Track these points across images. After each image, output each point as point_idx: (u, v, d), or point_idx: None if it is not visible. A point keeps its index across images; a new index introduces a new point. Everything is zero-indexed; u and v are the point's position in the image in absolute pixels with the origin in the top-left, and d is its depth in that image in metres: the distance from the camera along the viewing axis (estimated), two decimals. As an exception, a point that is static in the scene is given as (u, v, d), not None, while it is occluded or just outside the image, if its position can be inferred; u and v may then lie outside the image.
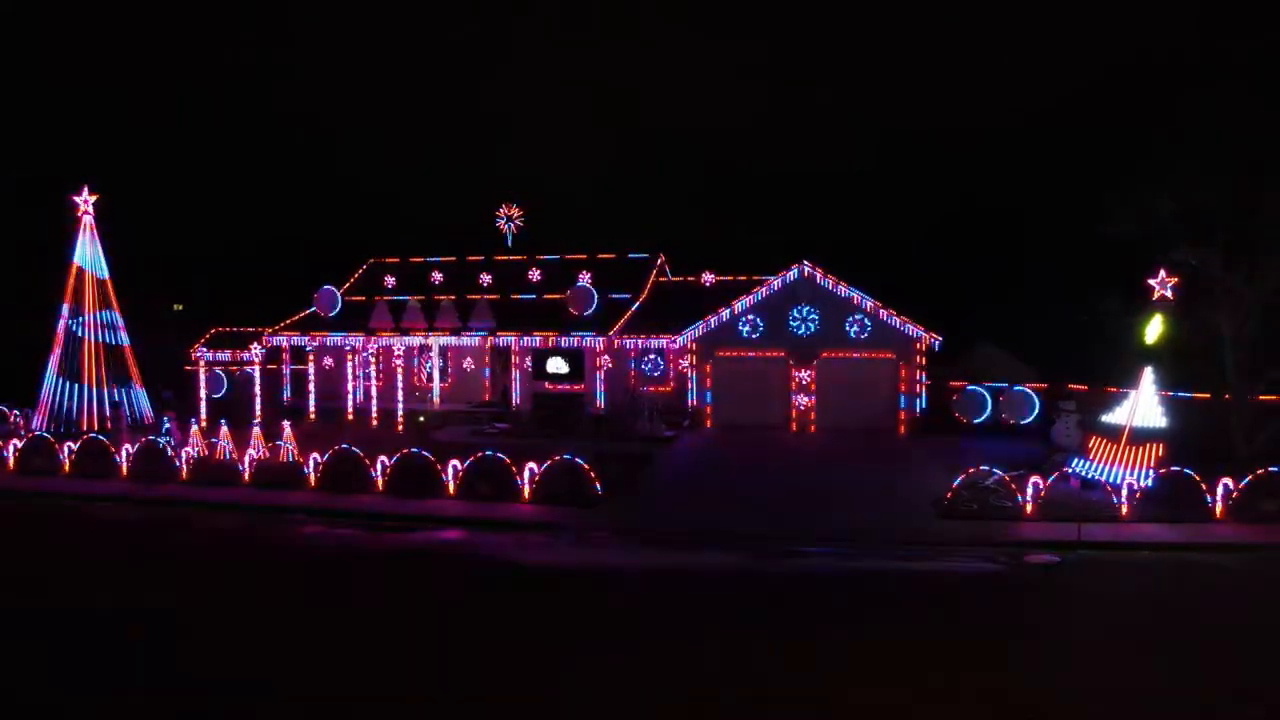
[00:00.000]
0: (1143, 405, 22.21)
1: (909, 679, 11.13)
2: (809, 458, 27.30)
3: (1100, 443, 22.53)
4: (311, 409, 34.91)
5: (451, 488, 21.79)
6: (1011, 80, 69.93)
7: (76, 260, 32.56)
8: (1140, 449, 21.63)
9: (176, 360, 38.03)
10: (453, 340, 34.84)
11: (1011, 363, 33.88)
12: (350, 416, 34.42)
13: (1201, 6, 51.76)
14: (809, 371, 31.83)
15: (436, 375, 36.75)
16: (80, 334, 32.20)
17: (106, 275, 33.11)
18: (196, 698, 10.72)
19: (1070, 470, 22.17)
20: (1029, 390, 30.45)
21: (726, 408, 32.56)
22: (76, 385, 31.89)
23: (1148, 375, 22.51)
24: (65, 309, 32.38)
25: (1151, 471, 20.95)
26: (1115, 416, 22.58)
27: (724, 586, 15.45)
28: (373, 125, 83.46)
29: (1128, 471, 21.16)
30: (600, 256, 39.16)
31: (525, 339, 33.64)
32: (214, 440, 26.56)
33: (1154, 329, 23.64)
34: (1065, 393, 28.83)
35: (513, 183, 64.08)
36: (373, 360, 35.26)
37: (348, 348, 35.42)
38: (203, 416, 33.41)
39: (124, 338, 33.57)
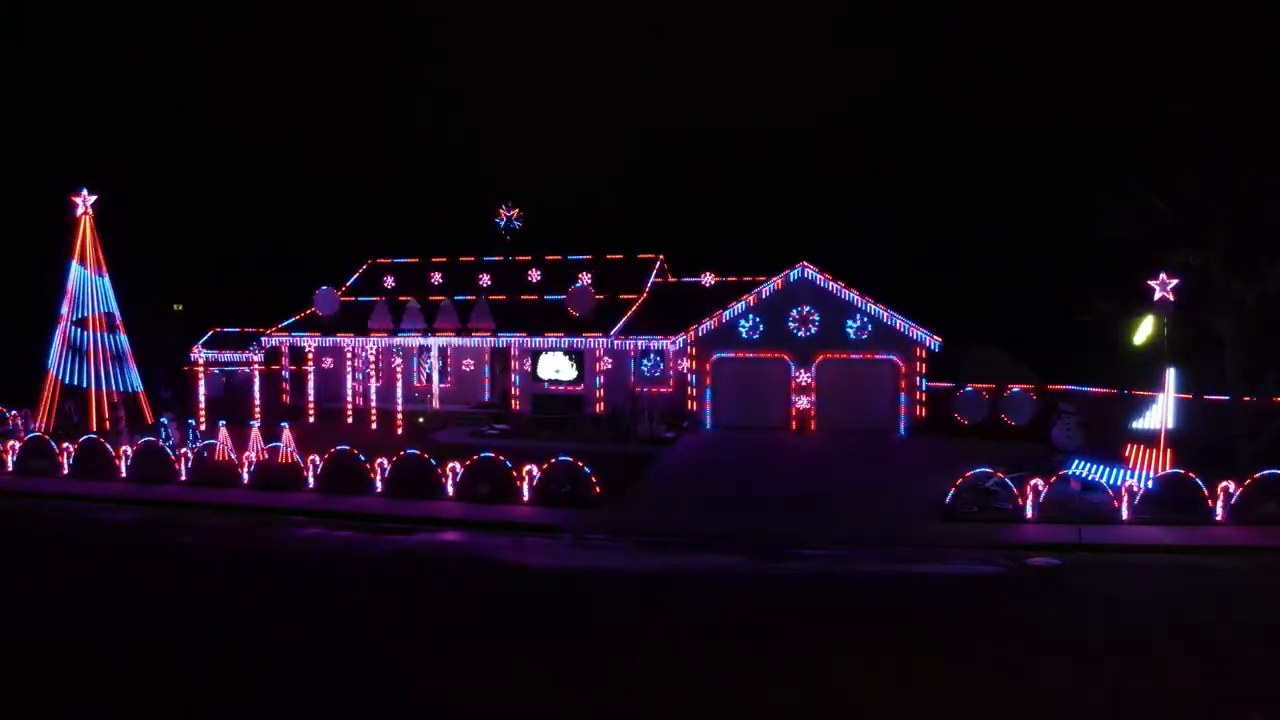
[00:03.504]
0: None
1: (908, 682, 11.09)
2: (809, 459, 27.26)
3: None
4: (311, 410, 34.86)
5: (451, 489, 21.76)
6: (1010, 80, 69.86)
7: (75, 261, 32.51)
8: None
9: (176, 361, 37.98)
10: (452, 341, 34.80)
11: (1012, 364, 33.84)
12: (349, 417, 34.37)
13: (1202, 8, 51.66)
14: (809, 372, 31.79)
15: (436, 376, 36.70)
16: (79, 334, 32.16)
17: (106, 276, 33.06)
18: (189, 701, 10.68)
19: (1070, 472, 22.13)
20: (1029, 391, 30.39)
21: (726, 409, 32.51)
22: (74, 385, 31.84)
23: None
24: (64, 310, 32.34)
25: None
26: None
27: (723, 589, 15.40)
28: (373, 124, 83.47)
29: None
30: (600, 257, 39.11)
31: (525, 339, 33.60)
32: (213, 441, 26.51)
33: (1144, 330, 23.63)
34: (1075, 395, 28.74)
35: (512, 183, 64.25)
36: (372, 361, 35.24)
37: (347, 348, 35.38)
38: (201, 417, 33.37)
39: (123, 338, 33.51)
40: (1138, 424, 22.72)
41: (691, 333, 32.61)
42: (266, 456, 24.98)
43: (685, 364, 33.16)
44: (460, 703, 10.55)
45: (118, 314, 33.39)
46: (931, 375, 31.47)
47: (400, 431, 31.89)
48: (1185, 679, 11.24)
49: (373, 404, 33.85)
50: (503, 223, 40.46)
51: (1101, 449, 23.96)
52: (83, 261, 32.51)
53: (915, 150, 62.06)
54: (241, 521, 20.55)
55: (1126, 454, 22.72)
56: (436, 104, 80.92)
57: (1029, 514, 19.45)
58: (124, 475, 24.38)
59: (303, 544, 18.92)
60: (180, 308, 46.90)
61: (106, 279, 33.04)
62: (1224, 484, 19.26)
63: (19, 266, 45.42)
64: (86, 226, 32.61)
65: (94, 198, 32.73)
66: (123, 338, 33.42)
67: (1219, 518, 19.15)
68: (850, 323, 31.51)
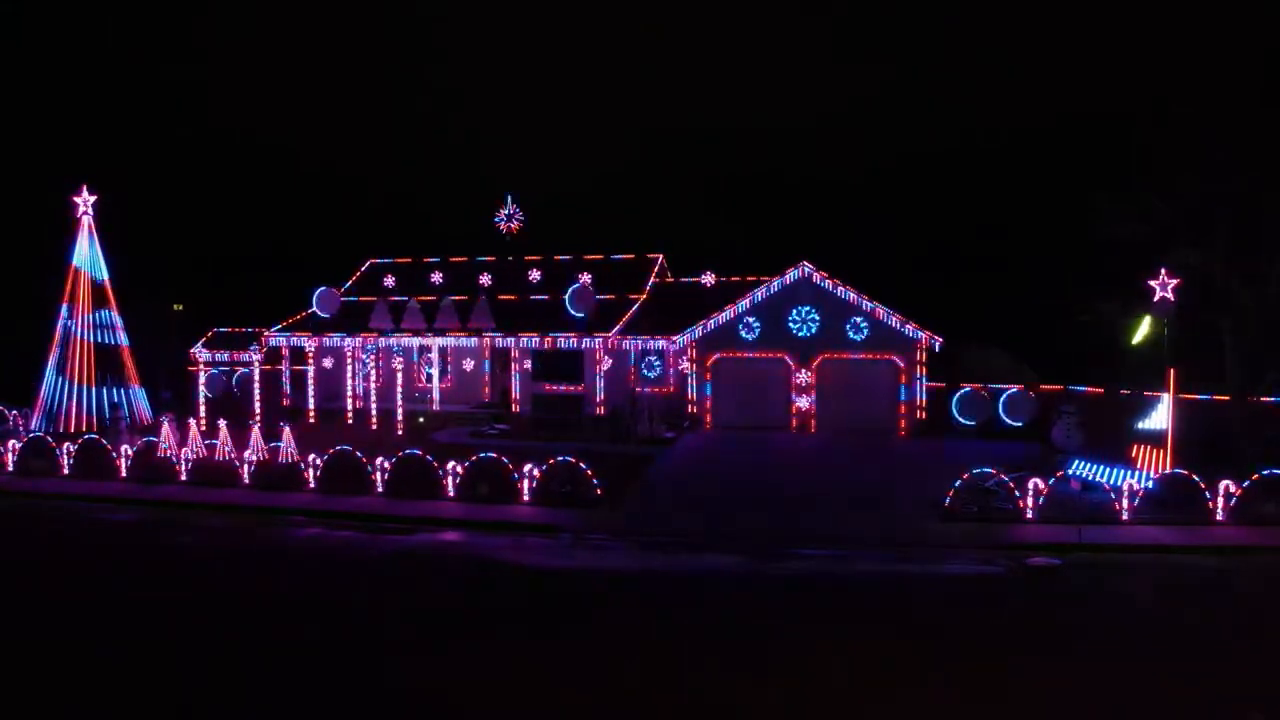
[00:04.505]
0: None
1: (908, 682, 11.09)
2: (809, 459, 27.25)
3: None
4: (311, 410, 34.85)
5: (451, 489, 21.76)
6: (1011, 80, 69.85)
7: (75, 262, 32.48)
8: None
9: (176, 360, 37.98)
10: (452, 341, 34.80)
11: (1012, 364, 33.82)
12: (350, 417, 34.37)
13: (1202, 8, 51.66)
14: (809, 372, 31.79)
15: (436, 376, 36.71)
16: (78, 335, 32.13)
17: (106, 276, 33.05)
18: (189, 701, 10.68)
19: (1070, 472, 22.13)
20: (1029, 391, 30.36)
21: (726, 409, 32.50)
22: (74, 386, 31.82)
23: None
24: (64, 310, 32.31)
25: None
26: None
27: (723, 589, 15.41)
28: (373, 124, 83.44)
29: None
30: (600, 257, 39.12)
31: (525, 339, 33.60)
32: (213, 441, 26.53)
33: (1141, 330, 23.63)
34: (1079, 395, 28.71)
35: (512, 183, 64.21)
36: (372, 361, 35.22)
37: (347, 348, 35.37)
38: (202, 417, 33.35)
39: (122, 338, 33.49)
40: (1143, 424, 22.68)
41: (691, 333, 32.61)
42: (266, 456, 25.01)
43: (685, 364, 33.16)
44: (460, 703, 10.55)
45: (117, 314, 33.36)
46: (931, 375, 31.47)
47: (400, 431, 31.88)
48: (1185, 679, 11.24)
49: (373, 404, 33.84)
50: (503, 222, 40.45)
51: (1102, 449, 23.95)
52: (81, 263, 32.45)
53: (915, 150, 62.05)
54: (241, 521, 20.55)
55: (1133, 454, 22.68)
56: (436, 104, 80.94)
57: (1029, 514, 19.44)
58: (123, 475, 24.37)
59: (303, 544, 18.91)
60: (180, 308, 46.92)
61: (107, 279, 32.98)
62: (1224, 484, 19.24)
63: (19, 267, 45.41)
64: (86, 226, 32.55)
65: (94, 198, 32.73)
66: (122, 337, 33.38)
67: (1219, 518, 19.14)
68: (850, 323, 31.51)
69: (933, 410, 31.23)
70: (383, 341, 34.81)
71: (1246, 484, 19.17)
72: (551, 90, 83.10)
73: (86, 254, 32.50)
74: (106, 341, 32.79)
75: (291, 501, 21.77)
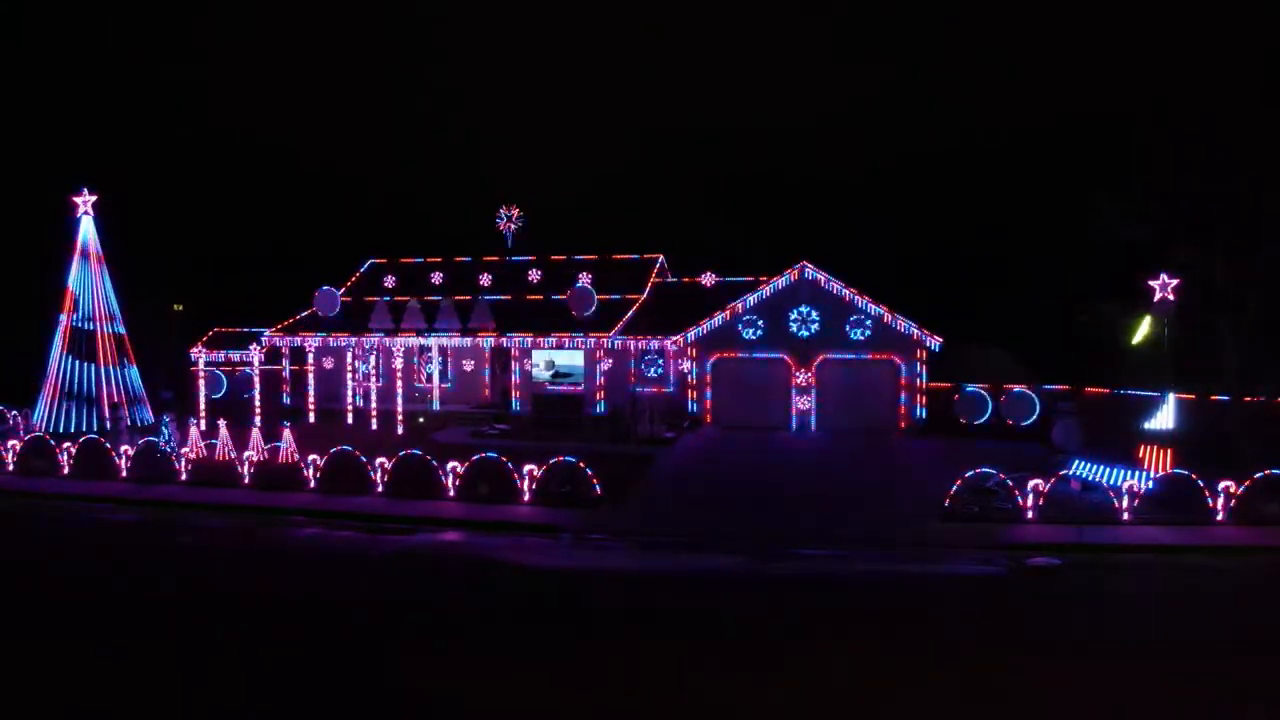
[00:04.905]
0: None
1: (908, 682, 11.08)
2: (809, 459, 27.23)
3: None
4: (311, 410, 34.85)
5: (451, 489, 21.75)
6: (1011, 80, 69.85)
7: (74, 260, 32.35)
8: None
9: (176, 361, 37.98)
10: (452, 341, 34.80)
11: (1013, 364, 33.84)
12: (350, 417, 34.37)
13: (1202, 8, 51.68)
14: (809, 372, 31.79)
15: (436, 376, 36.70)
16: (72, 324, 31.99)
17: (105, 276, 32.95)
18: (189, 701, 10.68)
19: (1070, 472, 22.12)
20: (1029, 391, 30.37)
21: (727, 409, 32.51)
22: (75, 363, 31.65)
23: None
24: (61, 318, 32.15)
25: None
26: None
27: (723, 589, 15.40)
28: (373, 124, 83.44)
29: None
30: (600, 257, 39.14)
31: (525, 339, 33.60)
32: (213, 441, 26.53)
33: (1141, 330, 23.68)
34: (1079, 396, 28.69)
35: (512, 183, 64.27)
36: (372, 361, 35.20)
37: (347, 348, 35.37)
38: (202, 417, 33.35)
39: (120, 328, 33.28)
40: (1149, 424, 22.70)
41: (691, 333, 32.62)
42: (266, 456, 25.01)
43: (685, 364, 33.16)
44: (461, 703, 10.55)
45: (118, 311, 33.27)
46: (931, 375, 31.47)
47: (400, 431, 31.87)
48: (1185, 679, 11.23)
49: (373, 404, 33.84)
50: (503, 223, 40.46)
51: (1102, 449, 23.96)
52: (80, 264, 32.38)
53: (915, 150, 62.06)
54: (241, 521, 20.55)
55: (1140, 454, 22.69)
56: (436, 104, 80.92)
57: (1029, 514, 19.44)
58: (124, 475, 24.37)
59: (303, 544, 18.91)
60: (180, 308, 46.92)
61: (106, 278, 32.94)
62: (1224, 484, 19.24)
63: (19, 266, 45.41)
64: (86, 227, 32.50)
65: (94, 197, 32.68)
66: (120, 328, 33.28)
67: (1219, 518, 19.13)
68: (850, 323, 31.52)
69: (933, 410, 31.23)
70: (383, 342, 34.81)
71: (1246, 484, 19.16)
72: (551, 90, 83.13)
73: (78, 273, 32.23)
74: (104, 331, 32.61)
75: (291, 501, 21.77)
